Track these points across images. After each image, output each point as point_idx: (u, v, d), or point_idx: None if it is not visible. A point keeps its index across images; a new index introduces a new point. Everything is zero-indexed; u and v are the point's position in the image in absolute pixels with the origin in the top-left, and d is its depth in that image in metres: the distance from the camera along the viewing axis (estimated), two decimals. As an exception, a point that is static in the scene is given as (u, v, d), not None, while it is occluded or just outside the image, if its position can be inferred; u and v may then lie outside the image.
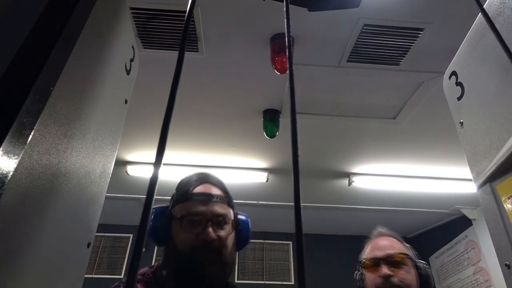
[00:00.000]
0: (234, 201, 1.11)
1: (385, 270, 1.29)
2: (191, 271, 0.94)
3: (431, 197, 4.26)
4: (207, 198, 1.01)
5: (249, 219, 1.12)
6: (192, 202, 1.00)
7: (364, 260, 1.39)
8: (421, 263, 1.36)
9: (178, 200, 1.04)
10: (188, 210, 0.99)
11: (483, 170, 0.83)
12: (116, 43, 0.72)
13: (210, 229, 0.96)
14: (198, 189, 1.03)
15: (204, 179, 1.08)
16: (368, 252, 1.40)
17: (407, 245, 1.43)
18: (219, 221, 0.99)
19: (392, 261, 1.31)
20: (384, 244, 1.38)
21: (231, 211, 1.05)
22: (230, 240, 1.01)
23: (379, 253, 1.34)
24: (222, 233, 0.98)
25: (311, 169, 3.83)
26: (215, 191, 1.04)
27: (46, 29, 0.49)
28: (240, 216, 1.10)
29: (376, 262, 1.33)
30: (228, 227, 1.01)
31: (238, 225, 1.05)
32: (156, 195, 0.29)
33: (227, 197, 1.06)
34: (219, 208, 1.01)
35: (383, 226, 1.48)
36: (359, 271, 1.41)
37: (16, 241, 0.41)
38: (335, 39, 2.36)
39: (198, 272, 0.93)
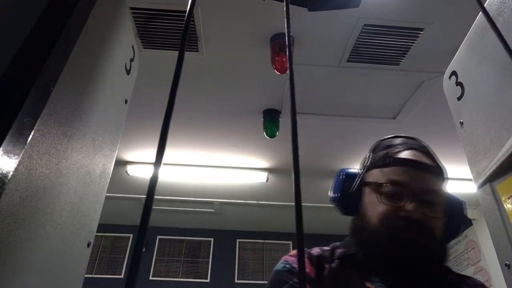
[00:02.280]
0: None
1: None
2: (387, 254, 0.73)
3: (431, 197, 4.25)
4: (417, 166, 0.79)
5: (464, 203, 0.87)
6: (395, 168, 0.79)
7: None
8: None
9: (375, 163, 0.84)
10: (388, 178, 0.79)
11: (483, 170, 0.83)
12: (116, 43, 0.72)
13: (416, 205, 0.74)
14: (404, 154, 0.81)
15: (411, 144, 0.85)
16: None
17: None
18: (428, 198, 0.76)
19: None
20: None
21: (443, 188, 0.82)
22: (439, 225, 0.79)
23: None
24: (431, 214, 0.76)
25: (311, 169, 3.83)
26: (426, 160, 0.81)
27: (46, 29, 0.49)
28: (452, 198, 0.86)
29: None
30: (438, 209, 0.78)
31: (450, 209, 0.83)
32: (156, 195, 0.29)
33: (440, 170, 0.83)
34: (430, 182, 0.78)
35: None
36: None
37: (16, 241, 0.41)
38: (335, 39, 2.36)
39: (397, 257, 0.73)
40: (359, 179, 0.85)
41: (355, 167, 0.90)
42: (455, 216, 0.84)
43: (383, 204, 0.77)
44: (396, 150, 0.83)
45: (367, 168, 0.86)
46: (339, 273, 0.79)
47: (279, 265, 0.83)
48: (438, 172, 0.81)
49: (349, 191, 0.85)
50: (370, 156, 0.88)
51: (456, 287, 0.79)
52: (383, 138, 0.93)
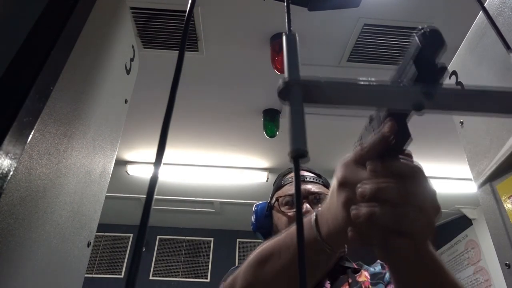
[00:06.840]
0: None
1: None
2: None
3: (431, 197, 4.25)
4: (302, 180, 1.02)
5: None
6: (288, 186, 1.05)
7: None
8: None
9: (274, 190, 1.11)
10: (282, 193, 1.04)
11: (483, 169, 0.83)
12: (116, 43, 0.72)
13: (306, 205, 0.96)
14: (290, 175, 1.09)
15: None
16: None
17: None
18: (315, 199, 0.99)
19: None
20: None
21: (327, 191, 1.00)
22: None
23: None
24: None
25: (311, 169, 3.83)
26: (307, 173, 1.08)
27: (46, 29, 0.49)
28: None
29: None
30: None
31: None
32: (156, 195, 0.29)
33: (321, 178, 1.08)
34: (313, 187, 1.01)
35: None
36: None
37: (16, 241, 0.41)
38: (335, 38, 2.36)
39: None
40: (268, 206, 1.08)
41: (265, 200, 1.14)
42: None
43: (286, 215, 0.99)
44: (285, 174, 1.12)
45: (271, 197, 1.11)
46: None
47: None
48: (318, 180, 1.07)
49: (262, 219, 1.06)
50: (272, 190, 1.14)
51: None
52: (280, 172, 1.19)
